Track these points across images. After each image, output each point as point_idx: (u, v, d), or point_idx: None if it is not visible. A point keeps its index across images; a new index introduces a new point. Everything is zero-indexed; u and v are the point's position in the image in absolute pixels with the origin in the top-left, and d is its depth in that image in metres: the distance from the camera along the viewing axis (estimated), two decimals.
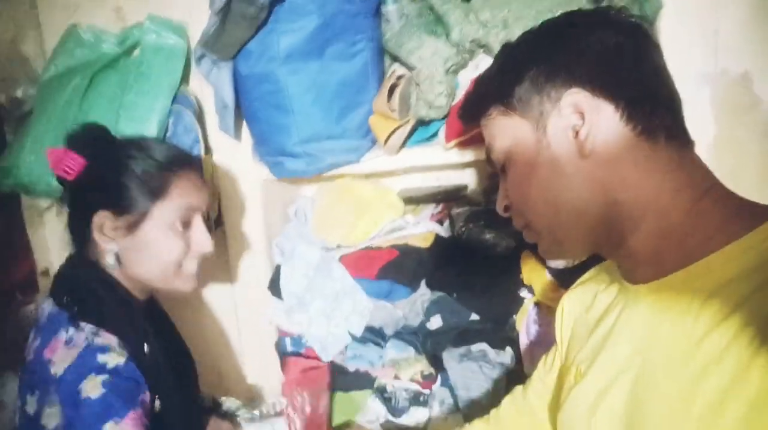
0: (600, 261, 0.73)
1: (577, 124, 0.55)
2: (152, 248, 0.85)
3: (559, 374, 0.74)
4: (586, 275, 0.75)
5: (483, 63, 1.07)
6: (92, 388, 0.71)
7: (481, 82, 0.67)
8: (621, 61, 0.56)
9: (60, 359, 0.74)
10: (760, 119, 1.07)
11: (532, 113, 0.58)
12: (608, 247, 0.59)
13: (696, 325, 0.48)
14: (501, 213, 0.67)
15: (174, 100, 1.08)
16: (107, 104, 1.04)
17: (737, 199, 0.53)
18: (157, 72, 1.08)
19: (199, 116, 1.14)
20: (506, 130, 0.60)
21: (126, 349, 0.78)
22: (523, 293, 1.18)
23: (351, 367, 1.20)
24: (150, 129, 1.05)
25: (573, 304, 0.73)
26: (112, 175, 0.84)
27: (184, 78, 1.13)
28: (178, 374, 0.89)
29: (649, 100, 0.55)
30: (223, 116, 1.06)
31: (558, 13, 1.00)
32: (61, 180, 0.85)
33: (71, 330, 0.77)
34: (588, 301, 0.69)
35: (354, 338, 1.19)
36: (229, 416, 1.10)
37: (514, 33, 1.01)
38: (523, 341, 1.16)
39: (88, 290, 0.82)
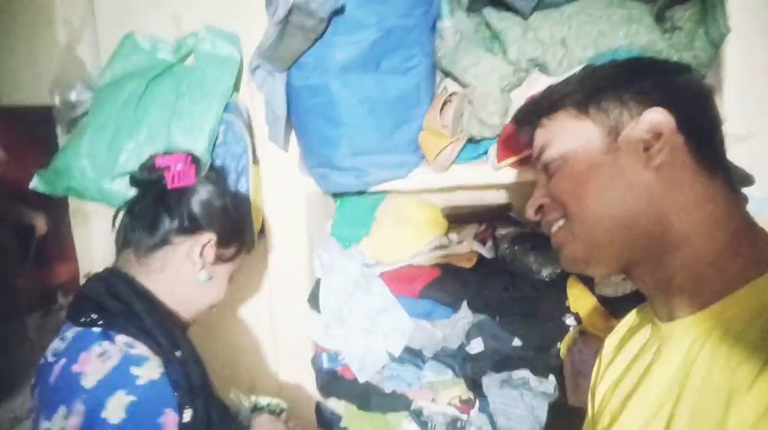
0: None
1: (650, 140, 0.58)
2: (216, 285, 0.92)
3: (590, 421, 0.73)
4: (622, 321, 0.75)
5: (538, 82, 1.05)
6: (114, 410, 0.70)
7: (555, 88, 0.68)
8: (699, 103, 0.61)
9: (93, 371, 0.73)
10: None
11: (607, 122, 0.60)
12: (643, 265, 0.59)
13: (731, 353, 0.50)
14: (531, 214, 0.67)
15: (225, 109, 1.09)
16: (161, 111, 1.05)
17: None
18: (210, 81, 1.09)
19: (249, 126, 1.14)
20: (572, 132, 0.62)
21: (160, 358, 0.77)
22: (569, 320, 1.14)
23: (388, 388, 1.18)
24: (202, 137, 1.05)
25: (607, 349, 0.74)
26: (236, 210, 0.94)
27: (236, 87, 1.13)
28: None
29: (714, 142, 0.60)
30: (273, 127, 1.06)
31: (619, 33, 0.99)
32: (149, 181, 0.88)
33: (105, 343, 0.76)
34: (618, 344, 0.71)
35: (392, 357, 1.16)
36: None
37: (574, 53, 0.99)
38: (568, 371, 1.12)
39: (124, 301, 0.82)
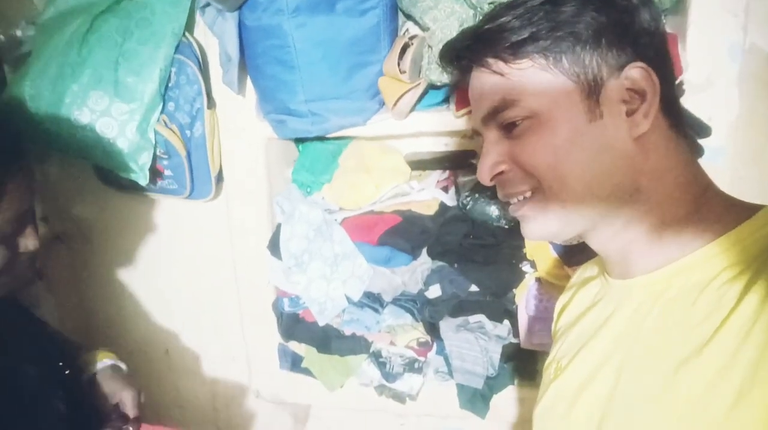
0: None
1: (633, 103, 0.52)
2: None
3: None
4: (574, 277, 0.75)
5: None
6: None
7: (507, 22, 0.54)
8: (666, 52, 0.55)
9: None
10: None
11: (584, 78, 0.52)
12: (608, 231, 0.56)
13: (685, 316, 0.49)
14: (486, 180, 0.57)
15: (177, 49, 1.04)
16: (107, 51, 1.00)
17: (727, 196, 0.55)
18: (160, 19, 1.03)
19: (204, 68, 1.09)
20: (545, 88, 0.52)
21: None
22: (525, 267, 1.16)
23: (347, 331, 1.20)
24: (151, 79, 1.01)
25: (559, 303, 0.74)
26: None
27: (189, 26, 1.08)
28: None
29: (677, 98, 0.56)
30: (226, 70, 1.02)
31: None
32: None
33: None
34: (566, 299, 0.71)
35: (351, 302, 1.18)
36: None
37: None
38: (522, 316, 1.15)
39: None
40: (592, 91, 0.52)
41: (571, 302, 0.69)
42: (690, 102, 0.98)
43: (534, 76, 0.53)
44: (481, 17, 0.98)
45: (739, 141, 1.02)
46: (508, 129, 0.55)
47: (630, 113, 0.52)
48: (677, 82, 0.95)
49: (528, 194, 0.56)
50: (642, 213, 0.54)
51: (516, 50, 0.53)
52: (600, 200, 0.53)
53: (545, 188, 0.54)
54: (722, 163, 1.00)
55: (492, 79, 0.55)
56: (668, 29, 1.01)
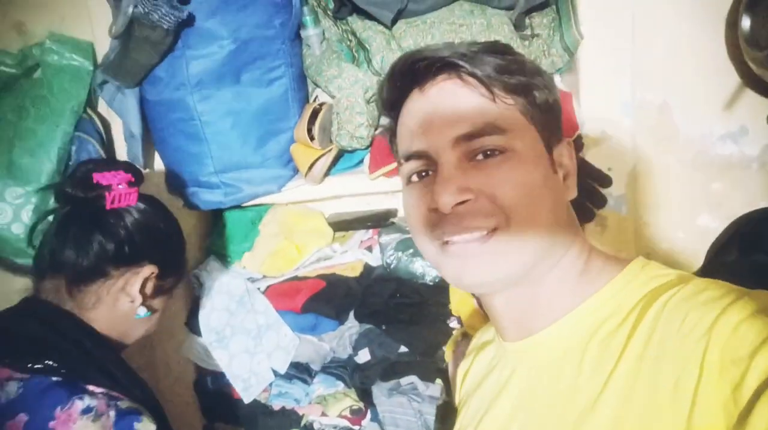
0: None
1: (565, 170, 0.57)
2: (152, 318, 0.84)
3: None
4: (473, 341, 0.75)
5: None
6: None
7: (492, 60, 0.53)
8: None
9: None
10: (679, 148, 1.09)
11: (548, 132, 0.55)
12: (530, 287, 0.54)
13: (574, 371, 0.50)
14: (449, 204, 0.50)
15: (77, 126, 1.00)
16: (1, 131, 0.95)
17: (602, 252, 0.57)
18: (58, 96, 1.00)
19: (108, 143, 1.06)
20: (526, 128, 0.53)
21: (138, 404, 0.70)
22: (453, 323, 1.15)
23: (276, 406, 1.15)
24: (49, 158, 0.96)
25: (460, 370, 0.73)
26: (177, 235, 0.85)
27: (91, 102, 1.05)
28: None
29: None
30: (130, 145, 0.99)
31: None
32: (84, 200, 0.75)
33: (86, 398, 0.65)
34: (467, 365, 0.70)
35: (278, 374, 1.13)
36: None
37: None
38: (452, 373, 1.13)
39: (80, 348, 0.72)
40: (549, 147, 0.55)
41: (471, 368, 0.68)
42: (589, 155, 1.03)
43: (517, 115, 0.53)
44: None
45: (640, 189, 1.08)
46: (479, 157, 0.52)
47: (564, 179, 0.56)
48: (574, 136, 0.99)
49: (489, 231, 0.51)
50: (563, 270, 0.54)
51: (512, 86, 0.53)
52: (553, 247, 0.53)
53: (512, 226, 0.50)
54: (626, 211, 1.04)
55: (478, 99, 0.52)
56: (564, 87, 1.07)
